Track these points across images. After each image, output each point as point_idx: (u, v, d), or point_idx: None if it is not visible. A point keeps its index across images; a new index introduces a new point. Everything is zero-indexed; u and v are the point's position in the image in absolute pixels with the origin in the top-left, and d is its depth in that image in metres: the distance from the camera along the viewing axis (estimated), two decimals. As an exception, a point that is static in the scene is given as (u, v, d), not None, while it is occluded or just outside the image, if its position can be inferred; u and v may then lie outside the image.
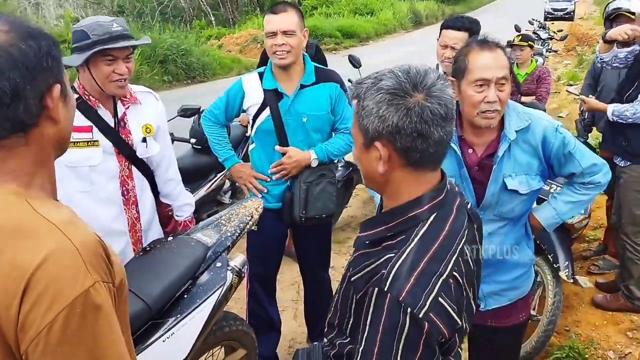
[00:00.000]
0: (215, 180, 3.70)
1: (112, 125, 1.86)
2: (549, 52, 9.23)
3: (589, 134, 3.55)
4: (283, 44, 2.17)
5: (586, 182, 1.78)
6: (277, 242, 2.52)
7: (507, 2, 33.53)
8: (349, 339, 1.11)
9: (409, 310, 0.90)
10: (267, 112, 2.28)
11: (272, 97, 2.27)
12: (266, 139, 2.33)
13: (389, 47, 16.21)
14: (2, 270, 0.73)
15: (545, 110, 6.12)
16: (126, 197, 1.92)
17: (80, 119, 1.76)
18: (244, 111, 2.40)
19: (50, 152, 0.87)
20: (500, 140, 1.68)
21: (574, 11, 23.56)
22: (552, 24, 14.82)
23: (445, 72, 2.58)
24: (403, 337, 0.90)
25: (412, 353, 0.91)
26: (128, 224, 1.93)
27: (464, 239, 1.03)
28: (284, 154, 2.29)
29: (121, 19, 1.86)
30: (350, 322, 1.09)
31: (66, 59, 1.73)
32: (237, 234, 1.82)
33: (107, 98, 1.85)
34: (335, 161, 2.47)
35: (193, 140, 3.69)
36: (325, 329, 1.25)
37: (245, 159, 4.06)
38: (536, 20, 10.57)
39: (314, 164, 2.29)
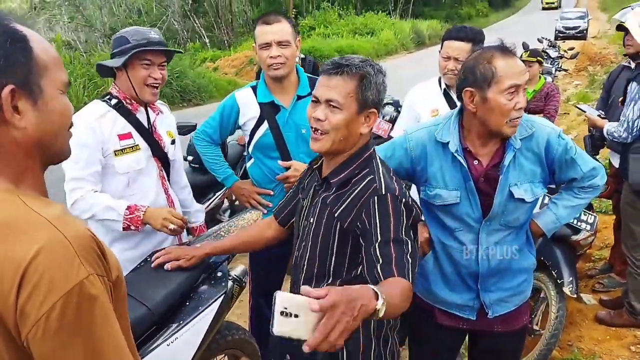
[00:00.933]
0: (214, 199, 3.86)
1: (149, 129, 2.12)
2: (559, 70, 9.34)
3: (600, 150, 3.62)
4: (279, 55, 2.22)
5: (586, 186, 1.88)
6: (280, 257, 2.54)
7: (516, 22, 34.27)
8: (331, 278, 1.50)
9: (403, 200, 1.42)
10: (265, 126, 2.33)
11: (269, 110, 2.32)
12: (266, 153, 2.38)
13: (388, 68, 16.40)
14: None
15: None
16: (167, 195, 2.20)
17: (120, 126, 2.03)
18: (239, 127, 2.45)
19: (32, 154, 0.89)
20: (506, 150, 1.73)
21: (586, 29, 23.37)
22: (564, 42, 15.05)
23: (447, 85, 2.63)
24: (404, 218, 1.40)
25: (409, 229, 1.41)
26: None
27: None
28: (287, 169, 2.33)
29: (157, 29, 2.13)
30: (333, 260, 1.50)
31: (108, 62, 2.02)
32: None
33: (141, 104, 2.10)
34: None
35: (190, 158, 3.86)
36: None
37: (244, 177, 4.27)
38: (545, 39, 10.56)
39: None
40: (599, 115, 3.26)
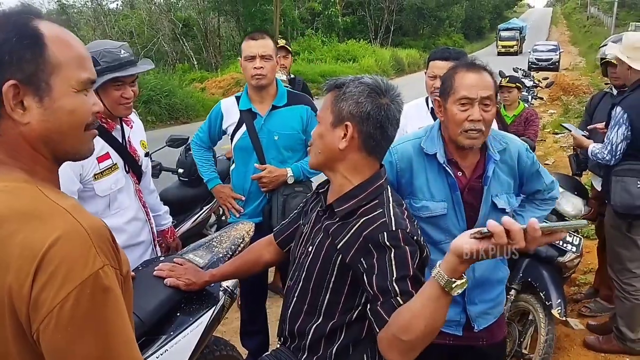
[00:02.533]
0: (201, 214, 3.75)
1: (123, 145, 2.03)
2: (535, 99, 9.61)
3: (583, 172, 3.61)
4: (261, 67, 2.43)
5: (547, 197, 1.97)
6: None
7: (489, 53, 35.14)
8: (321, 318, 1.32)
9: (415, 238, 1.26)
10: (243, 129, 2.55)
11: (248, 116, 2.55)
12: (244, 155, 2.58)
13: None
14: (14, 250, 0.77)
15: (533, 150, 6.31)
16: (145, 209, 2.13)
17: (98, 148, 1.91)
18: (225, 133, 2.66)
19: (40, 149, 0.88)
20: (487, 162, 1.75)
21: (559, 61, 24.47)
22: (537, 73, 15.49)
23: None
24: (416, 258, 1.24)
25: (422, 266, 1.28)
26: (150, 232, 2.14)
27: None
28: (263, 171, 2.52)
29: (126, 44, 2.02)
30: (327, 297, 1.32)
31: None
32: (228, 256, 1.86)
33: (115, 120, 2.01)
34: (312, 179, 2.63)
35: (180, 171, 3.76)
36: (287, 342, 1.42)
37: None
38: (520, 69, 10.88)
39: (290, 180, 2.51)
40: (583, 136, 3.23)
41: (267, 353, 1.51)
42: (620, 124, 2.72)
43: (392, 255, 1.20)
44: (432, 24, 39.11)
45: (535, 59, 24.56)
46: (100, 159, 1.92)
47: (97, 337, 0.77)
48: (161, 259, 1.85)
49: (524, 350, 2.75)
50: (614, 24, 31.02)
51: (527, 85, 9.73)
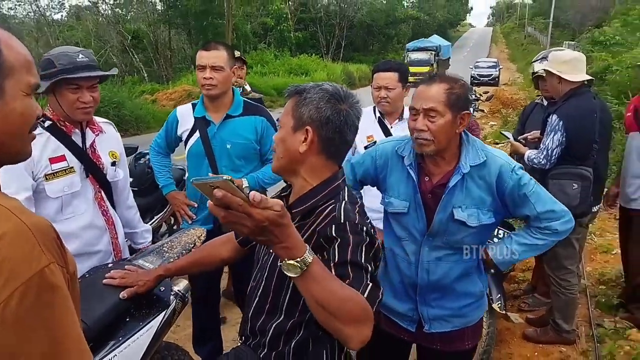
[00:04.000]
0: (152, 223, 3.70)
1: (84, 150, 1.97)
2: (476, 111, 10.04)
3: None
4: (211, 77, 2.44)
5: (542, 227, 1.79)
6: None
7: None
8: (282, 316, 1.32)
9: (364, 228, 1.25)
10: (196, 136, 2.56)
11: (202, 124, 2.55)
12: (197, 162, 2.57)
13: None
14: None
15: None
16: (106, 217, 2.05)
17: (52, 149, 1.87)
18: (181, 139, 2.67)
19: None
20: (454, 172, 1.76)
21: (498, 77, 25.70)
22: (479, 87, 16.18)
23: (381, 113, 2.85)
24: (364, 246, 1.22)
25: (370, 259, 1.22)
26: (112, 243, 2.07)
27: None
28: None
29: (89, 50, 1.98)
30: (287, 296, 1.32)
31: None
32: None
33: (76, 124, 1.96)
34: (267, 190, 2.65)
35: (130, 180, 3.67)
36: (248, 340, 1.42)
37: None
38: None
39: (246, 191, 2.42)
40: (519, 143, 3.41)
41: (226, 351, 1.50)
42: (556, 130, 2.88)
43: (337, 244, 1.21)
44: (381, 41, 40.14)
45: (477, 74, 25.66)
46: (54, 160, 1.87)
47: (45, 334, 0.76)
48: (109, 265, 1.81)
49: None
50: (549, 42, 32.73)
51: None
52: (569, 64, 2.97)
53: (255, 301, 1.41)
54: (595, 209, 3.28)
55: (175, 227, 4.20)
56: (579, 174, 2.89)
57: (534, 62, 4.02)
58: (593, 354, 3.10)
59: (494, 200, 1.75)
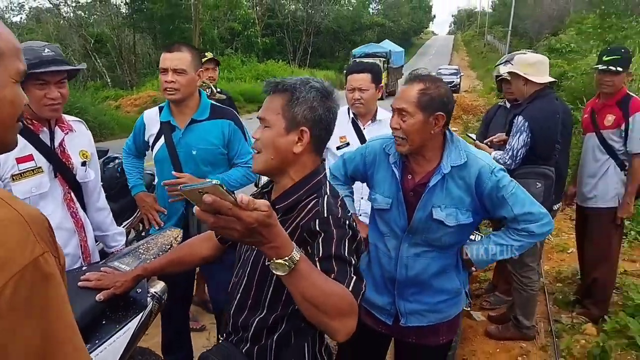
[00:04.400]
0: (125, 226, 3.65)
1: (52, 149, 1.91)
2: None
3: None
4: (172, 81, 2.34)
5: (519, 228, 1.82)
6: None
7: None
8: (265, 311, 1.33)
9: (347, 222, 1.27)
10: (162, 141, 2.49)
11: (167, 128, 2.48)
12: (162, 168, 2.53)
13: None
14: None
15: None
16: (75, 219, 2.00)
17: (19, 148, 1.79)
18: (148, 143, 2.62)
19: None
20: (435, 172, 1.81)
21: (459, 84, 26.28)
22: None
23: (355, 114, 2.88)
24: (347, 239, 1.23)
25: (353, 251, 1.24)
26: (80, 246, 2.01)
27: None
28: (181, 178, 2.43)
29: (55, 45, 1.92)
30: (270, 291, 1.33)
31: None
32: None
33: (44, 122, 1.90)
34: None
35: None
36: (230, 336, 1.43)
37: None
38: None
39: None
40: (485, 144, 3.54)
41: (208, 348, 1.49)
42: (522, 131, 3.00)
43: (321, 239, 1.22)
44: (348, 47, 40.38)
45: (440, 81, 26.10)
46: (20, 160, 1.81)
47: (39, 324, 0.74)
48: (83, 268, 1.80)
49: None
50: (507, 50, 33.77)
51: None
52: (533, 66, 3.09)
53: (238, 297, 1.41)
54: (556, 207, 3.43)
55: (143, 234, 4.14)
56: (543, 173, 3.01)
57: (498, 65, 4.16)
58: (552, 348, 3.23)
59: (473, 200, 1.79)
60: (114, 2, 27.12)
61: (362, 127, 2.89)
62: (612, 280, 3.65)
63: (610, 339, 3.15)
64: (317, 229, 1.24)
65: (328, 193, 1.34)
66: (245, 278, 1.40)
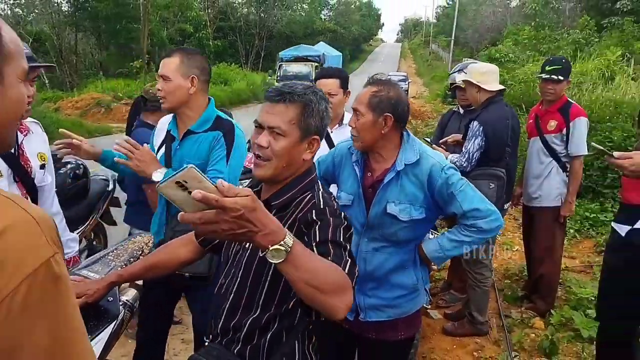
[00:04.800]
0: (79, 233, 3.51)
1: (13, 152, 1.83)
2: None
3: None
4: (159, 89, 2.22)
5: (469, 224, 1.89)
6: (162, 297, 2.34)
7: (353, 81, 37.39)
8: (258, 311, 1.34)
9: (342, 214, 1.35)
10: (162, 150, 2.35)
11: (168, 138, 2.33)
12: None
13: (244, 116, 16.87)
14: None
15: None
16: None
17: None
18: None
19: None
20: (390, 169, 1.91)
21: (407, 90, 26.98)
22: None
23: None
24: (342, 228, 1.30)
25: (348, 240, 1.31)
26: None
27: None
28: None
29: (24, 43, 1.85)
30: (264, 291, 1.35)
31: None
32: None
33: None
34: None
35: (51, 190, 3.48)
36: (219, 338, 1.42)
37: (104, 217, 3.94)
38: None
39: (156, 177, 2.11)
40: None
41: (198, 351, 1.46)
42: (477, 135, 3.15)
43: (318, 227, 1.28)
44: (301, 52, 40.62)
45: (388, 87, 26.68)
46: None
47: (50, 325, 0.74)
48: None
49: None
50: (450, 59, 35.06)
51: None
52: (485, 75, 3.28)
53: (230, 298, 1.40)
54: (506, 206, 3.60)
55: (95, 243, 4.01)
56: (495, 174, 3.17)
57: (452, 73, 4.34)
58: (504, 342, 3.38)
59: (425, 197, 1.88)
60: (55, 0, 26.01)
61: (330, 131, 2.92)
62: (557, 276, 3.86)
63: (558, 331, 3.35)
64: (314, 218, 1.30)
65: (321, 189, 1.41)
66: (238, 280, 1.40)
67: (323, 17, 45.79)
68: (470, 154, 3.17)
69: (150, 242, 2.04)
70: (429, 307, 3.08)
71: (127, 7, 23.78)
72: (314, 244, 1.24)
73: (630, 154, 2.14)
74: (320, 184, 1.45)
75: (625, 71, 10.87)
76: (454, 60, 32.56)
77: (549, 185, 3.59)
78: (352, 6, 57.65)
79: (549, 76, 3.48)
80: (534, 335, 3.46)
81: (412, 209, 1.88)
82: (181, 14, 27.08)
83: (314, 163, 1.47)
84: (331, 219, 1.30)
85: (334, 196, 1.44)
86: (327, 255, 1.20)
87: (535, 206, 3.69)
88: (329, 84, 2.82)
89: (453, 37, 37.03)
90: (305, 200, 1.38)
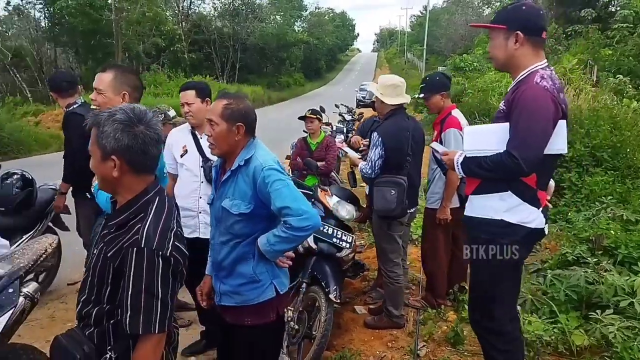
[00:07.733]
0: (21, 243, 3.65)
1: None
2: (352, 130, 10.77)
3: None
4: (93, 99, 2.46)
5: (284, 221, 2.03)
6: None
7: (326, 91, 37.66)
8: (104, 304, 1.56)
9: (160, 253, 1.46)
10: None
11: None
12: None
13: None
14: None
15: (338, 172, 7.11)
16: None
17: None
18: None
19: None
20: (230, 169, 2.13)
21: (381, 99, 27.29)
22: (359, 108, 17.28)
23: (192, 126, 3.23)
24: (160, 272, 1.45)
25: (166, 282, 1.46)
26: None
27: (175, 212, 1.63)
28: None
29: None
30: (108, 290, 1.53)
31: None
32: (30, 265, 2.02)
33: None
34: None
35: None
36: (82, 321, 1.64)
37: (56, 221, 4.05)
38: (342, 104, 12.05)
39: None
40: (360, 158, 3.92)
41: (62, 332, 1.67)
42: (377, 145, 3.39)
43: (133, 273, 1.44)
44: (275, 63, 40.80)
45: (362, 96, 26.77)
46: None
47: None
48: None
49: (313, 332, 3.16)
50: (424, 67, 35.58)
51: (347, 119, 11.08)
52: (388, 88, 3.51)
53: (86, 291, 1.62)
54: (411, 210, 3.79)
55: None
56: (395, 181, 3.41)
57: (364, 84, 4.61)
58: (416, 334, 3.61)
59: (254, 194, 2.05)
60: (33, 16, 25.92)
61: (199, 137, 3.20)
62: (442, 273, 3.97)
63: (464, 323, 3.53)
64: (133, 258, 1.45)
65: (153, 214, 1.53)
66: (89, 278, 1.60)
67: (297, 28, 45.98)
68: (372, 162, 3.41)
69: (54, 242, 2.24)
70: (339, 301, 3.27)
71: (100, 22, 23.79)
72: (129, 292, 1.44)
73: (447, 151, 2.51)
74: (159, 201, 1.58)
75: (582, 78, 11.00)
76: (427, 69, 33.04)
77: (433, 189, 3.84)
78: (326, 17, 57.98)
79: (418, 95, 3.82)
80: (445, 327, 3.68)
81: (242, 205, 2.06)
82: (155, 28, 27.13)
83: (155, 180, 1.61)
84: (146, 264, 1.44)
85: (164, 219, 1.55)
86: (138, 309, 1.43)
87: (426, 207, 3.95)
88: (186, 95, 3.14)
89: (425, 46, 37.57)
90: (134, 229, 1.50)
